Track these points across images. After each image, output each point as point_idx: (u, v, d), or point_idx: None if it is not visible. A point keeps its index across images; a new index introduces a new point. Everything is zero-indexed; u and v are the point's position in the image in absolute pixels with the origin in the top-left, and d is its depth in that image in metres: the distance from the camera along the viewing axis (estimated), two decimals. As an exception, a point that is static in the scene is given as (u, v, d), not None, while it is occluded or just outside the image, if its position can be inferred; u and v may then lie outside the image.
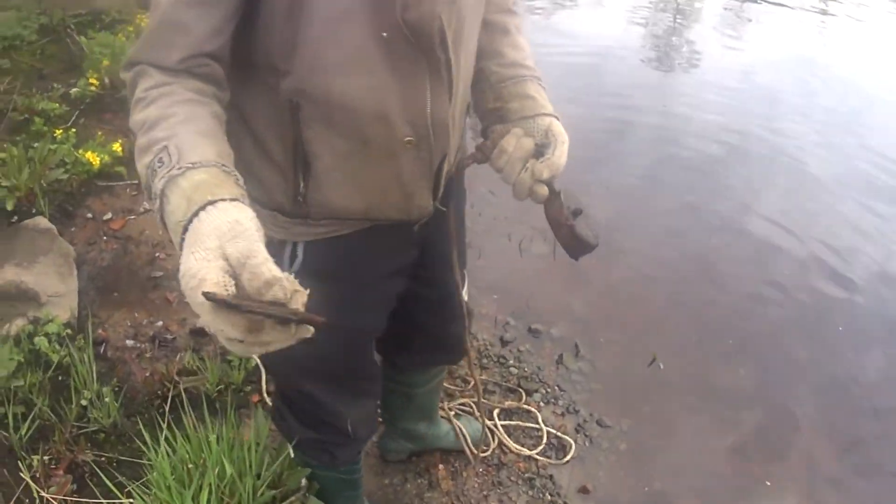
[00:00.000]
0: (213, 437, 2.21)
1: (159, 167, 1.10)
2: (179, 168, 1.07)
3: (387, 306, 1.84)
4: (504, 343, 3.49)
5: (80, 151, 4.21)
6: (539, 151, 1.55)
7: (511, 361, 3.37)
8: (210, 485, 2.11)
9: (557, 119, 1.60)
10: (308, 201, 1.48)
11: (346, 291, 1.61)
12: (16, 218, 3.78)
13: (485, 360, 3.37)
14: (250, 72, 1.38)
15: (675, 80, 7.01)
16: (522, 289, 3.82)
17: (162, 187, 1.07)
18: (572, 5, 8.90)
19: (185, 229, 1.01)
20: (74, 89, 5.04)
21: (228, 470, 2.13)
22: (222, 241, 0.96)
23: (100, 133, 4.55)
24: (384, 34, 1.29)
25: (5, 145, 4.29)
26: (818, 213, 4.80)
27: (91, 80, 4.98)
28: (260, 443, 2.25)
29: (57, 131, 4.38)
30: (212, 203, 1.01)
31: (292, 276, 0.95)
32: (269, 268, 0.93)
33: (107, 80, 5.00)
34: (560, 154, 1.53)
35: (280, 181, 1.48)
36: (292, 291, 0.93)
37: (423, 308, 1.97)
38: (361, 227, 1.58)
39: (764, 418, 3.26)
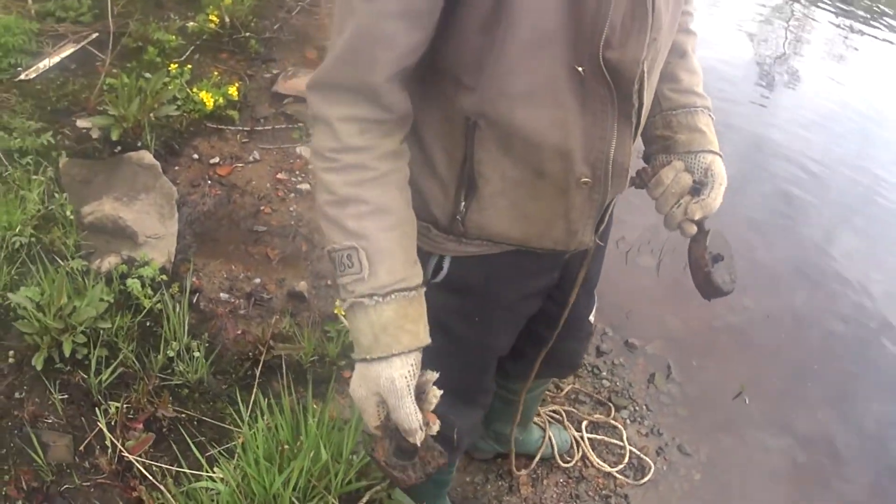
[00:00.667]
0: (312, 421, 2.17)
1: (349, 266, 1.29)
2: (370, 294, 1.29)
3: (518, 326, 1.86)
4: (599, 353, 3.51)
5: (194, 89, 4.23)
6: (696, 189, 1.59)
7: (604, 373, 3.41)
8: (302, 469, 2.07)
9: (720, 157, 1.62)
10: (466, 222, 1.48)
11: (484, 309, 1.69)
12: (119, 149, 3.80)
13: (579, 369, 3.37)
14: (431, 77, 1.34)
15: (773, 100, 6.94)
16: (624, 300, 3.85)
17: (351, 303, 1.31)
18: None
19: (363, 358, 1.32)
20: (192, 23, 5.08)
21: (324, 455, 2.09)
22: (382, 392, 1.30)
23: (215, 73, 4.56)
24: (580, 68, 1.25)
25: (115, 71, 4.37)
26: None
27: (211, 17, 5.01)
28: (357, 428, 2.20)
29: (171, 65, 4.41)
30: (387, 359, 1.30)
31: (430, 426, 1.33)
32: (410, 419, 1.29)
33: (227, 19, 5.02)
34: (715, 196, 1.58)
35: (439, 196, 1.48)
36: (424, 436, 1.32)
37: (547, 324, 1.95)
38: (511, 249, 1.60)
39: (839, 468, 3.23)
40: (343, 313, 2.93)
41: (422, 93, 1.36)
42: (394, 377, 1.30)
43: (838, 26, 9.59)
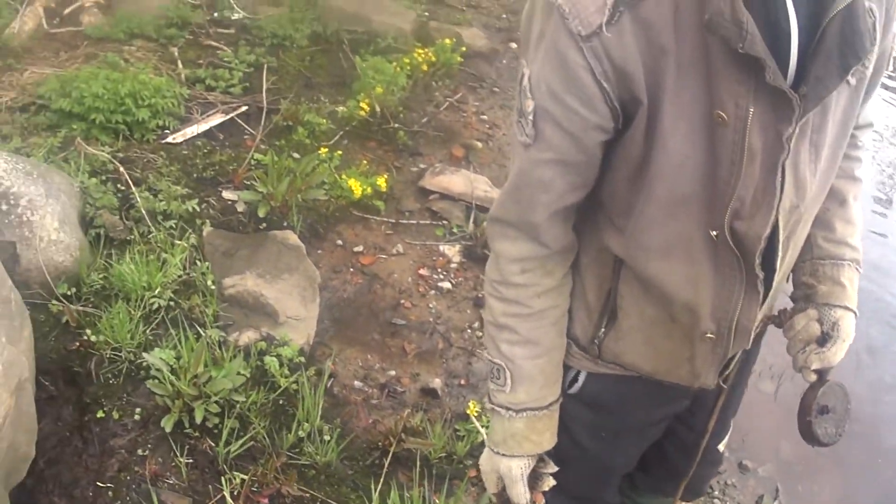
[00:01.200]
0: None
1: (496, 378, 1.75)
2: (507, 406, 1.76)
3: (642, 448, 2.11)
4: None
5: (343, 175, 4.69)
6: (823, 339, 1.76)
7: (716, 493, 3.71)
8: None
9: (854, 314, 1.79)
10: (602, 347, 1.77)
11: (612, 426, 1.96)
12: (264, 225, 4.28)
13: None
14: (592, 207, 1.62)
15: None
16: (742, 422, 3.98)
17: (492, 406, 1.80)
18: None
19: (491, 448, 1.83)
20: (342, 108, 5.62)
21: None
22: (501, 474, 1.83)
23: (364, 161, 5.04)
24: (713, 233, 1.48)
25: (262, 146, 4.90)
26: None
27: (361, 104, 5.51)
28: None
29: (322, 149, 4.88)
30: (508, 456, 1.79)
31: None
32: (520, 498, 1.80)
33: (377, 108, 5.52)
34: (836, 351, 1.75)
35: (584, 319, 1.77)
36: None
37: (676, 446, 2.18)
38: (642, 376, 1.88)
39: None
40: (475, 413, 3.31)
41: (584, 219, 1.65)
42: (511, 467, 1.79)
43: None
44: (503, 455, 1.80)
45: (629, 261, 1.60)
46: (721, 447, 2.33)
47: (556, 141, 1.44)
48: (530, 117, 1.44)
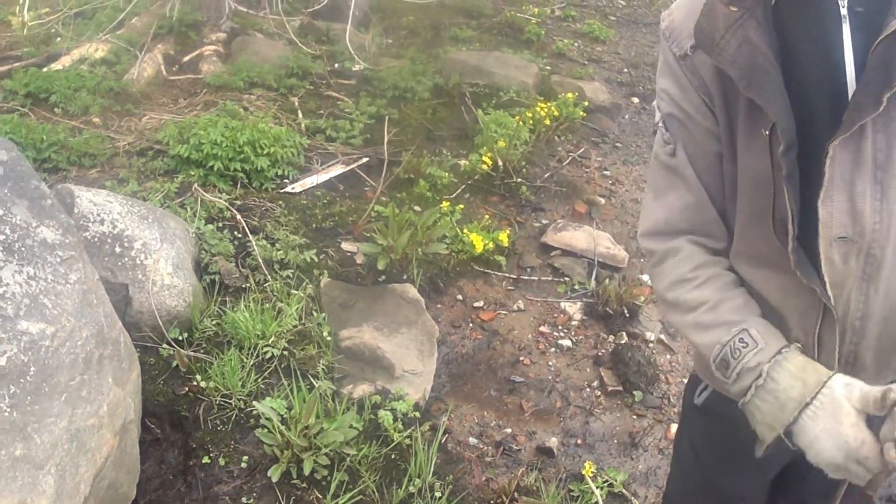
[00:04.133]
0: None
1: (745, 346, 1.65)
2: (778, 351, 1.63)
3: (760, 481, 2.13)
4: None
5: (464, 230, 4.75)
6: None
7: None
8: None
9: None
10: None
11: (730, 441, 1.97)
12: (383, 278, 4.33)
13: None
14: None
15: None
16: None
17: (767, 370, 1.61)
18: None
19: (805, 403, 1.55)
20: (464, 162, 5.71)
21: None
22: (851, 400, 1.51)
23: (486, 215, 5.09)
24: (789, 246, 1.62)
25: (383, 198, 5.02)
26: None
27: (484, 158, 5.59)
28: None
29: (444, 203, 4.96)
30: (826, 383, 1.55)
31: None
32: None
33: (499, 162, 5.61)
34: None
35: None
36: None
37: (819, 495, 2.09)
38: None
39: None
40: (591, 473, 3.31)
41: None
42: (844, 381, 1.53)
43: None
44: (824, 386, 1.55)
45: (734, 264, 1.80)
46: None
47: (685, 143, 1.76)
48: (662, 124, 1.80)
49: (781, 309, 1.72)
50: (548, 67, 7.83)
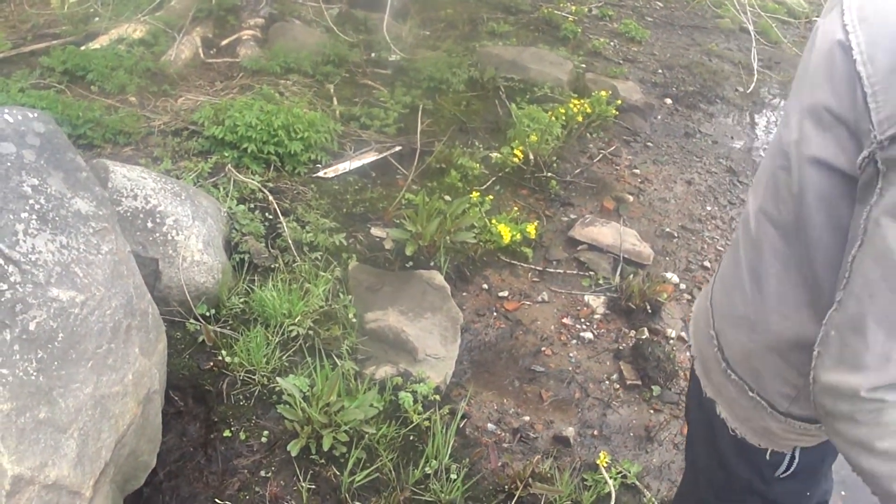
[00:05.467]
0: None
1: None
2: None
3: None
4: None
5: (493, 220, 4.78)
6: None
7: None
8: None
9: None
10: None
11: (817, 488, 2.03)
12: (410, 264, 4.36)
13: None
14: None
15: None
16: None
17: None
18: None
19: None
20: (496, 154, 5.73)
21: None
22: None
23: (515, 207, 5.12)
24: None
25: (414, 187, 5.00)
26: None
27: (515, 152, 5.61)
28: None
29: (474, 193, 4.98)
30: None
31: None
32: None
33: (531, 156, 5.64)
34: None
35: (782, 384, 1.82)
36: None
37: None
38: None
39: None
40: (605, 464, 3.32)
41: None
42: None
43: None
44: None
45: None
46: None
47: None
48: None
49: None
50: (583, 65, 7.82)
